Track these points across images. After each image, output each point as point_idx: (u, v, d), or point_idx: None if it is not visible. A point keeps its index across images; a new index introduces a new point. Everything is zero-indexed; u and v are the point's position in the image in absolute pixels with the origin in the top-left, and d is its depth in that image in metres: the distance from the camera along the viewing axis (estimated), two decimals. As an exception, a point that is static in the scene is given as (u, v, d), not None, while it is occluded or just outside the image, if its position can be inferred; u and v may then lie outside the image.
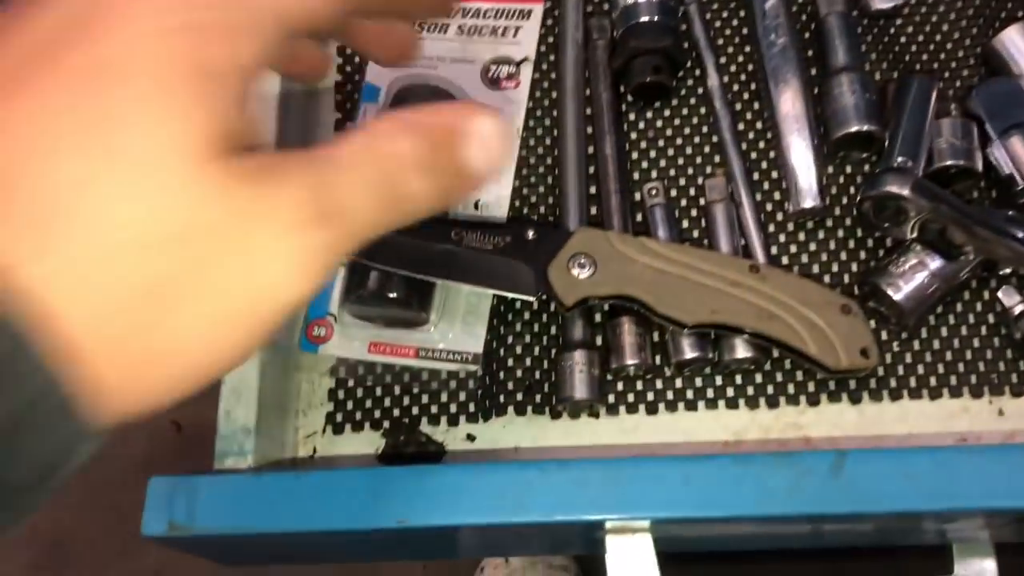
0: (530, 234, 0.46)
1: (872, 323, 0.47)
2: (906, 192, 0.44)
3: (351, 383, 0.49)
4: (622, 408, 0.47)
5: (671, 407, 0.47)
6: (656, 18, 0.52)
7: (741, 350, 0.46)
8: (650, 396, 0.48)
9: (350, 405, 0.48)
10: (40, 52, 0.22)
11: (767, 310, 0.44)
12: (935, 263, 0.46)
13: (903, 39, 0.54)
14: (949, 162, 0.48)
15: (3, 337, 0.20)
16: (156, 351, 0.22)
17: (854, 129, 0.49)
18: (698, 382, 0.48)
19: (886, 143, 0.49)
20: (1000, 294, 0.47)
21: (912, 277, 0.46)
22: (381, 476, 0.40)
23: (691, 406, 0.47)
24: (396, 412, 0.48)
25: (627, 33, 0.52)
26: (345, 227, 0.24)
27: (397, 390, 0.48)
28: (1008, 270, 0.47)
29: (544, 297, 0.47)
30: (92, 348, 0.21)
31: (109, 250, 0.21)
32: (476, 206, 0.51)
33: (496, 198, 0.51)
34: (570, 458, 0.44)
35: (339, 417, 0.48)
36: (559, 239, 0.45)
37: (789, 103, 0.50)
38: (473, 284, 0.46)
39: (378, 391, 0.48)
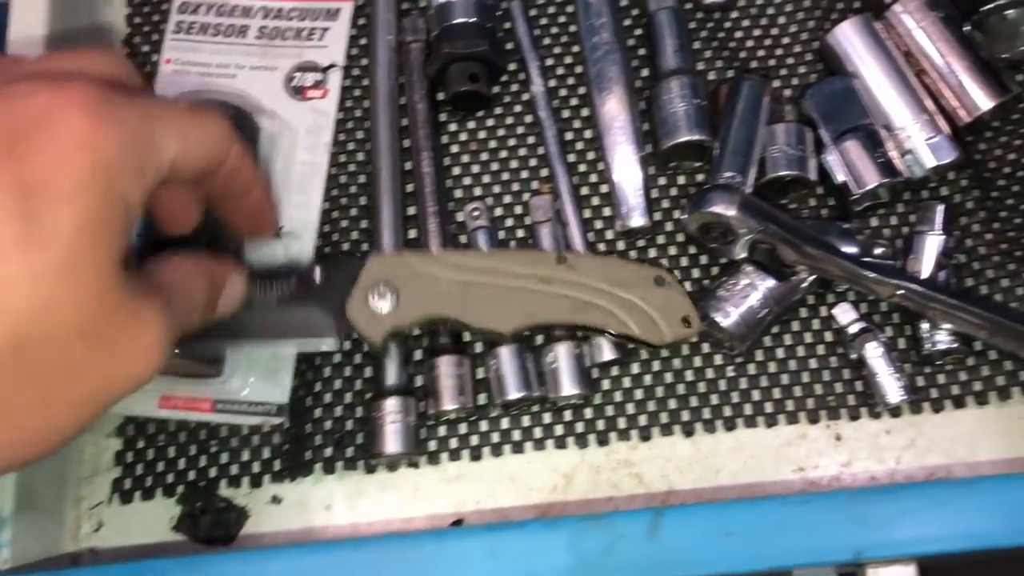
0: (317, 274, 0.41)
1: (706, 347, 0.45)
2: (732, 213, 0.41)
3: (141, 444, 0.44)
4: (444, 456, 0.44)
5: (496, 451, 0.44)
6: (472, 19, 0.47)
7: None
8: (474, 440, 0.44)
9: (140, 469, 0.43)
10: None
11: (582, 300, 0.41)
12: (766, 284, 0.43)
13: (738, 34, 0.50)
14: (782, 172, 0.45)
15: None
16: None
17: (683, 139, 0.45)
18: (525, 422, 0.44)
19: (715, 154, 0.45)
20: (835, 312, 0.44)
21: (742, 301, 0.43)
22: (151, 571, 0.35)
23: (518, 448, 0.44)
24: (191, 475, 0.43)
25: (441, 36, 0.47)
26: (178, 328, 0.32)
27: (193, 449, 0.43)
28: (845, 286, 0.45)
29: (353, 337, 0.42)
30: None
31: None
32: (279, 234, 0.46)
33: (303, 223, 0.47)
34: (384, 518, 0.40)
35: (128, 484, 0.43)
36: (352, 272, 0.41)
37: (613, 111, 0.47)
38: (268, 343, 0.41)
39: (171, 452, 0.43)
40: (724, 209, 0.41)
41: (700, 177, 0.47)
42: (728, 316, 0.43)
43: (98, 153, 0.26)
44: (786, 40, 0.50)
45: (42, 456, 0.28)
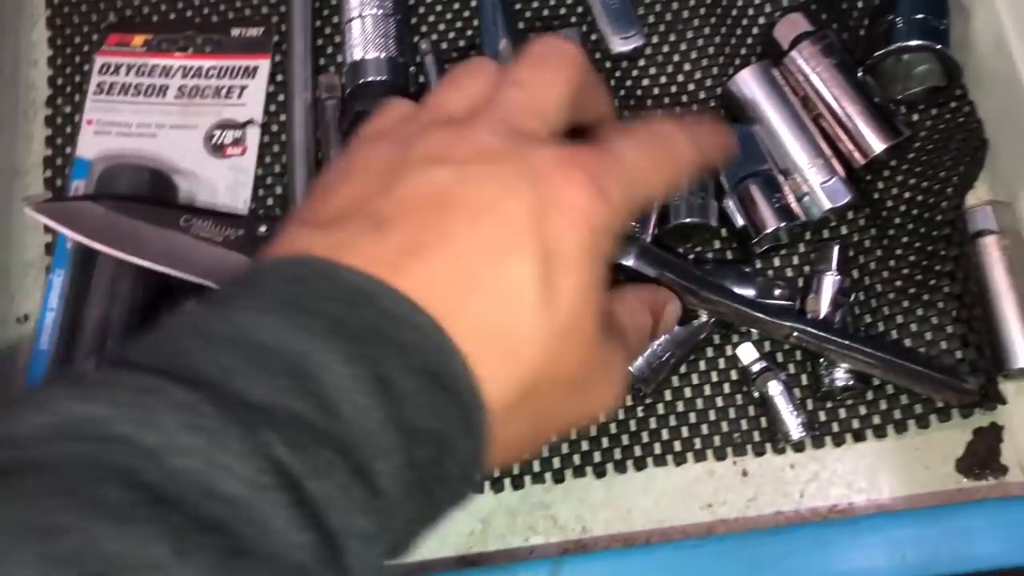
0: (262, 229, 0.43)
1: (616, 390, 0.46)
2: (630, 262, 0.43)
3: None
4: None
5: (414, 498, 0.45)
6: (384, 77, 0.49)
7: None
8: (391, 488, 0.45)
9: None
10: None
11: None
12: (669, 328, 0.45)
13: (645, 82, 0.52)
14: (684, 220, 0.47)
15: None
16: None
17: (588, 188, 0.47)
18: (441, 468, 0.45)
19: (619, 203, 0.47)
20: (739, 352, 0.46)
21: (647, 344, 0.45)
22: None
23: (435, 494, 0.45)
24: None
25: (353, 94, 0.49)
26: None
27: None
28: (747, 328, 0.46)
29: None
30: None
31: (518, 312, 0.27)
32: (198, 292, 0.47)
33: (224, 280, 0.48)
34: None
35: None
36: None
37: (522, 164, 0.48)
38: (190, 275, 0.42)
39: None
40: (623, 259, 0.43)
41: (609, 223, 0.49)
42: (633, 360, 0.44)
43: (596, 224, 0.29)
44: (691, 87, 0.52)
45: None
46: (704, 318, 0.45)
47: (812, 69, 0.49)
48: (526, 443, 0.31)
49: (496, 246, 0.27)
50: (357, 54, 0.49)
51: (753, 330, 0.46)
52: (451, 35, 0.53)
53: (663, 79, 0.52)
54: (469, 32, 0.53)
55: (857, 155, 0.48)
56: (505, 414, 0.27)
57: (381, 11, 0.50)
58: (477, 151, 0.29)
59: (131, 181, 0.47)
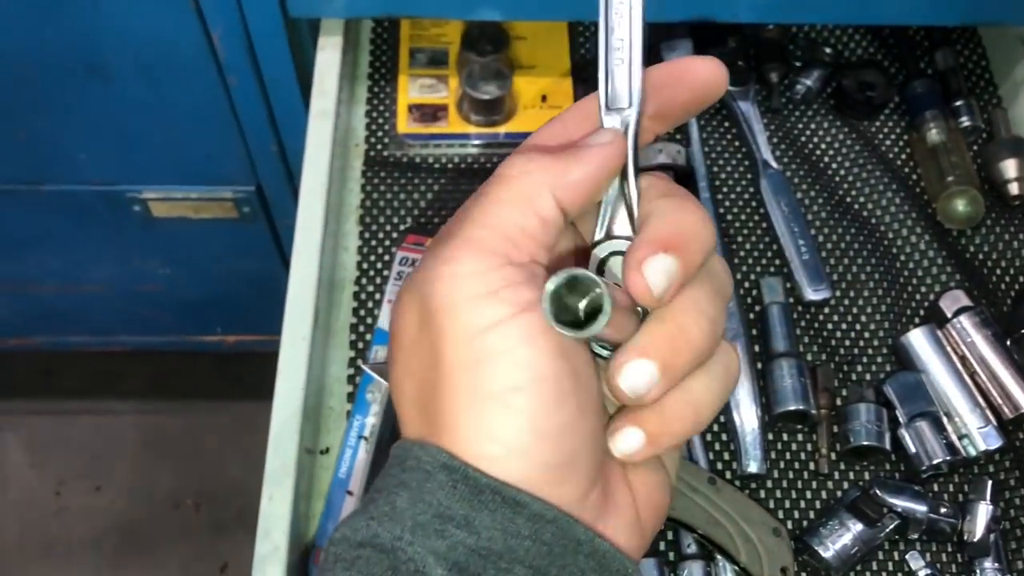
0: None
1: (804, 576, 0.56)
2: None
3: None
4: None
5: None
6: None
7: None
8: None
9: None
10: None
11: (714, 517, 0.54)
12: (857, 527, 0.55)
13: (829, 326, 0.65)
14: (863, 442, 0.58)
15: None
16: None
17: (792, 408, 0.59)
18: (658, 621, 0.55)
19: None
20: (908, 558, 0.56)
21: (838, 538, 0.55)
22: None
23: (652, 643, 0.55)
24: None
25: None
26: None
27: None
28: (915, 535, 0.57)
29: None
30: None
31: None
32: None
33: None
34: None
35: None
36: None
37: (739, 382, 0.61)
38: None
39: None
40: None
41: (800, 437, 0.60)
42: (827, 549, 0.55)
43: None
44: (867, 335, 0.65)
45: None
46: (887, 522, 0.56)
47: (971, 337, 0.61)
48: None
49: None
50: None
51: (917, 543, 0.57)
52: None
53: (844, 326, 0.65)
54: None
55: (1007, 408, 0.60)
56: None
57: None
58: None
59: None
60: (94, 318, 1.12)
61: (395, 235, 0.68)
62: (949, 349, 0.62)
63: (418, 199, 0.70)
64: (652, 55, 0.75)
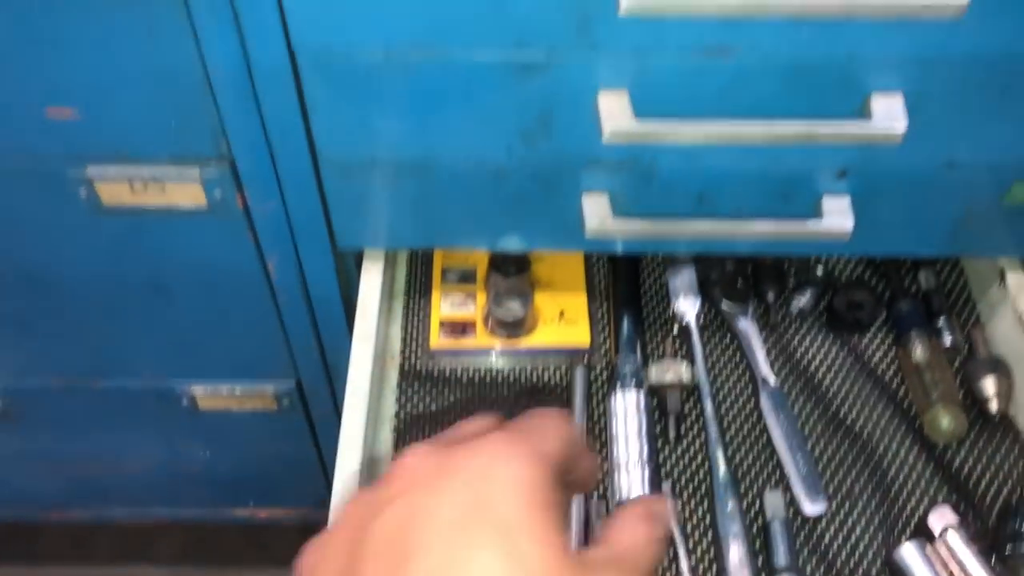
0: None
1: None
2: None
3: None
4: None
5: None
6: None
7: None
8: None
9: None
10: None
11: None
12: None
13: (826, 538, 0.70)
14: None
15: None
16: None
17: (793, 623, 0.64)
18: None
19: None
20: None
21: None
22: None
23: None
24: None
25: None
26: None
27: None
28: None
29: None
30: None
31: None
32: None
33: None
34: None
35: None
36: None
37: (743, 595, 0.66)
38: None
39: None
40: None
41: (802, 649, 0.65)
42: None
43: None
44: (862, 546, 0.70)
45: None
46: None
47: (957, 552, 0.66)
48: None
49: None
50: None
51: None
52: (683, 481, 0.73)
53: (840, 538, 0.70)
54: (697, 481, 0.72)
55: (994, 626, 0.64)
56: None
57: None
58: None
59: None
60: (132, 492, 1.17)
61: (426, 445, 0.75)
62: (939, 566, 0.67)
63: (447, 409, 0.77)
64: (657, 277, 0.83)
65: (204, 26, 0.59)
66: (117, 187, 0.70)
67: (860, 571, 0.68)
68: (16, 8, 0.58)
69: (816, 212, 0.69)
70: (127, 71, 0.62)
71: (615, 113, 0.61)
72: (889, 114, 0.61)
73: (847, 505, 0.72)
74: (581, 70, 0.60)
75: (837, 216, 0.69)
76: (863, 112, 0.62)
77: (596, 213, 0.69)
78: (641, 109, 0.61)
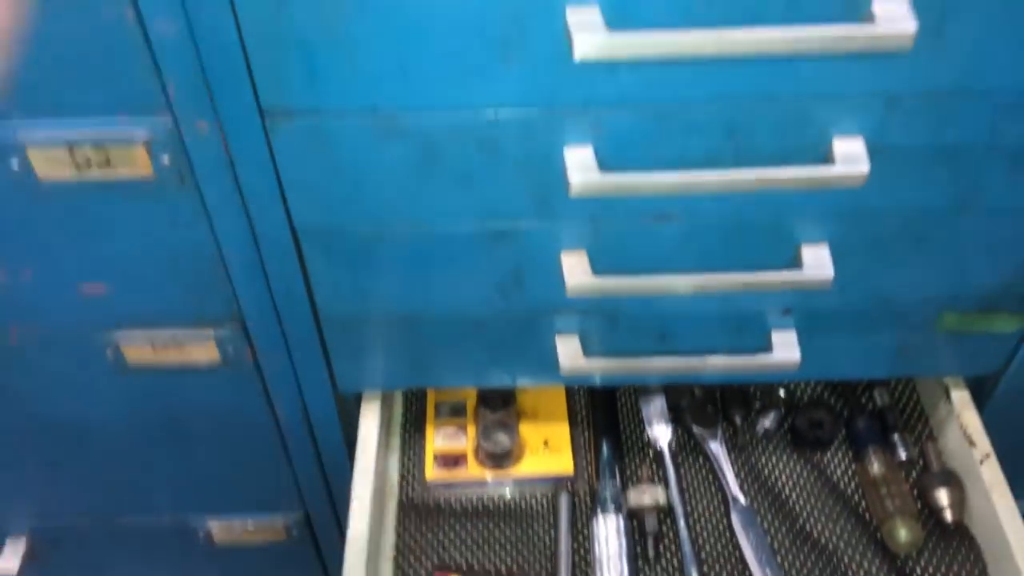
0: None
1: None
2: None
3: None
4: None
5: None
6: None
7: None
8: None
9: None
10: None
11: None
12: None
13: (797, 649, 0.75)
14: None
15: None
16: None
17: None
18: None
19: None
20: None
21: None
22: None
23: None
24: None
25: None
26: None
27: None
28: None
29: None
30: None
31: None
32: None
33: None
34: None
35: None
36: None
37: None
38: None
39: None
40: None
41: None
42: None
43: None
44: (830, 656, 0.75)
45: None
46: None
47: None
48: None
49: None
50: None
51: None
52: None
53: (810, 648, 0.75)
54: None
55: None
56: None
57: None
58: None
59: None
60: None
61: (423, 573, 0.81)
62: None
63: (442, 538, 0.83)
64: (634, 402, 0.91)
65: (217, 212, 0.69)
66: (140, 349, 0.78)
67: None
68: (65, 201, 0.67)
69: (767, 346, 0.77)
70: (152, 251, 0.71)
71: (576, 271, 0.70)
72: (817, 262, 0.70)
73: (815, 617, 0.77)
74: (544, 235, 0.69)
75: (785, 349, 0.77)
76: (795, 262, 0.70)
77: (568, 354, 0.77)
78: (599, 265, 0.70)
